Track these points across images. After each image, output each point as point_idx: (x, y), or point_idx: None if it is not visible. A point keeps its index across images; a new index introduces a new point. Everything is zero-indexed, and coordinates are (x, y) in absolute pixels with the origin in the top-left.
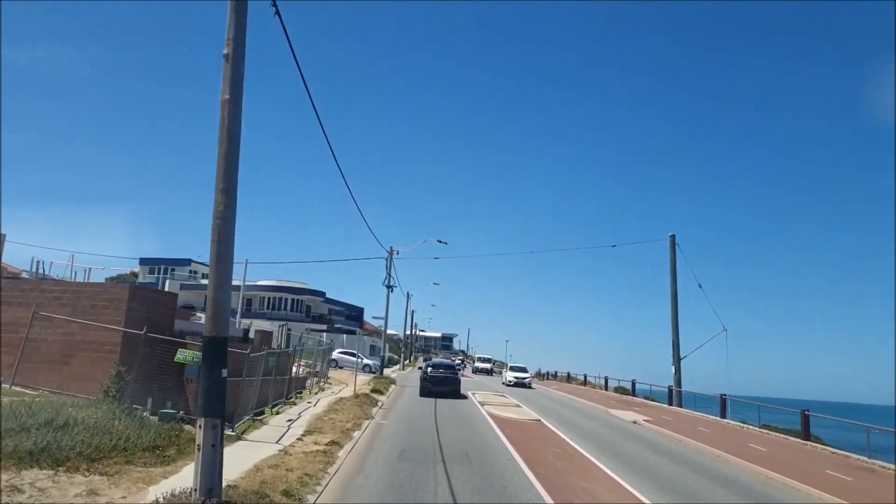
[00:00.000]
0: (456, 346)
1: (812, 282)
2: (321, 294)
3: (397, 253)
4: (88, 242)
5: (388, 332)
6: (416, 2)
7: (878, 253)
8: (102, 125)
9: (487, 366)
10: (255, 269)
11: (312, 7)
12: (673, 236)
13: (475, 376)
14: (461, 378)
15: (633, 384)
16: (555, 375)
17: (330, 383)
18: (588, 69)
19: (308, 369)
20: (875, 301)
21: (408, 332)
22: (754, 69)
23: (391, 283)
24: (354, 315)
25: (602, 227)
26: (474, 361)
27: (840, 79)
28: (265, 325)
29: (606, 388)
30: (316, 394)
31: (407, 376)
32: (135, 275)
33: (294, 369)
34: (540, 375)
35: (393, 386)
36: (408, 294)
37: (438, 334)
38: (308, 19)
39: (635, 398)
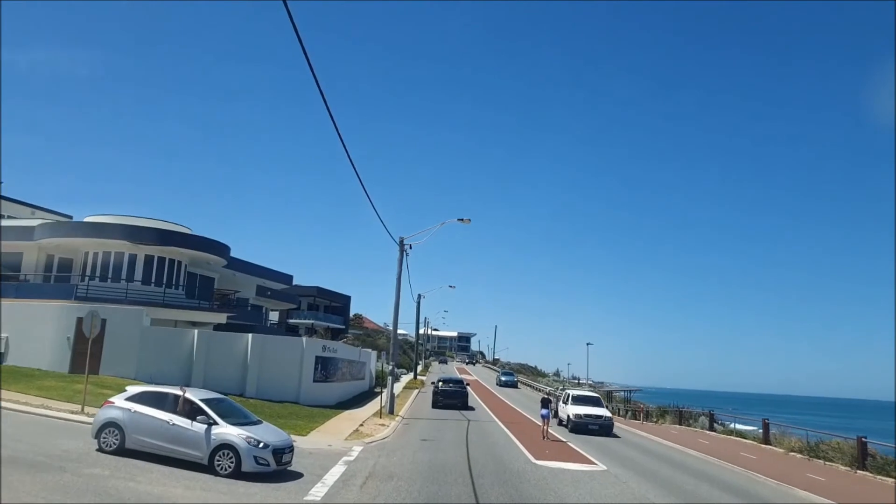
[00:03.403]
0: (475, 346)
1: None
2: (220, 249)
3: None
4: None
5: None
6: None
7: None
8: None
9: None
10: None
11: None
12: None
13: None
14: None
15: None
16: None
17: None
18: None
19: None
20: None
21: (397, 331)
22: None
23: None
24: (336, 306)
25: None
26: None
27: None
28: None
29: (867, 466)
30: None
31: (407, 476)
32: None
33: None
34: (642, 414)
35: None
36: (401, 243)
37: (454, 333)
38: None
39: None
